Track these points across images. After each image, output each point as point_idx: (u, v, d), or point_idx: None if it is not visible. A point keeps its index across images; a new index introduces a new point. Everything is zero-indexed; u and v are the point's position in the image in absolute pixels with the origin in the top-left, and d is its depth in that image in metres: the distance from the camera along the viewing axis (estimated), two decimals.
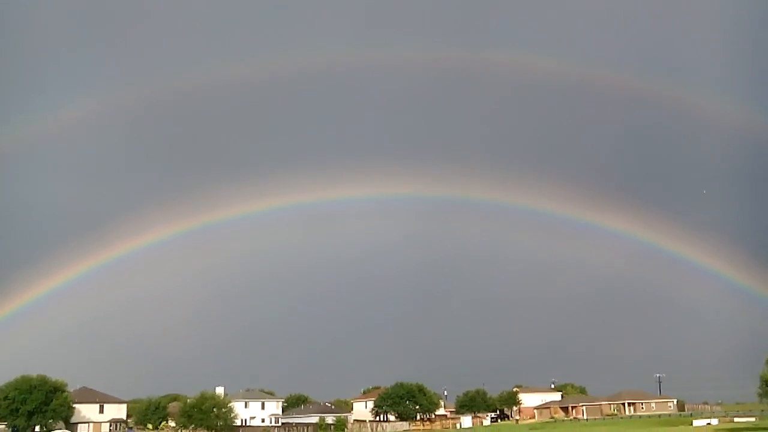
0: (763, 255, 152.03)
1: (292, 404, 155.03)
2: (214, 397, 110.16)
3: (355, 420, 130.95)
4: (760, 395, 57.22)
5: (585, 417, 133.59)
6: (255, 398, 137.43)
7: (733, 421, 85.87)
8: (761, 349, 63.48)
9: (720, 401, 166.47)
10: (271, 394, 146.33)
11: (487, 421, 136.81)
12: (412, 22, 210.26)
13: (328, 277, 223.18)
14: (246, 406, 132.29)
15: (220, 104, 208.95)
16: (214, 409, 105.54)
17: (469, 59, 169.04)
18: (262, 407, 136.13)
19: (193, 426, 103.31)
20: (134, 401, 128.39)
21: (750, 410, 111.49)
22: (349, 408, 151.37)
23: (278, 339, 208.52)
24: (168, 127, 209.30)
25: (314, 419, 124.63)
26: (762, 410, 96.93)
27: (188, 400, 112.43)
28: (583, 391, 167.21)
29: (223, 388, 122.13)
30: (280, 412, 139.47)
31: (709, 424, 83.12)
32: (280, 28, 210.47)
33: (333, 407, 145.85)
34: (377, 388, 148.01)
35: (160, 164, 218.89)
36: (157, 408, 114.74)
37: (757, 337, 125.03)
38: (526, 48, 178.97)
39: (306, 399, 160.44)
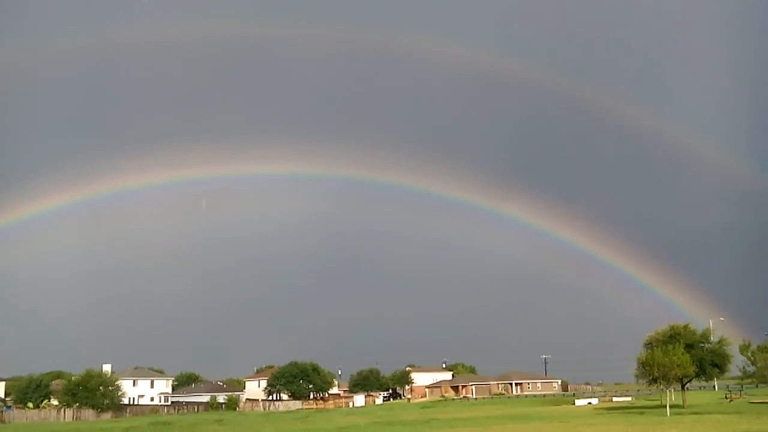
0: (650, 246, 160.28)
1: (183, 383, 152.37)
2: (100, 374, 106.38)
3: (247, 399, 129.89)
4: (636, 376, 60.02)
5: (474, 396, 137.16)
6: (144, 376, 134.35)
7: (611, 401, 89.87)
8: (641, 333, 66.62)
9: (601, 382, 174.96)
10: (160, 373, 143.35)
11: (379, 400, 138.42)
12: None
13: (223, 254, 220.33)
14: (134, 385, 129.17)
15: (113, 72, 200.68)
16: (101, 387, 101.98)
17: (378, 41, 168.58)
18: (152, 386, 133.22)
19: (77, 405, 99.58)
20: (14, 379, 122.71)
21: (627, 390, 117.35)
22: (242, 387, 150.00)
23: (169, 316, 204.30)
24: (57, 94, 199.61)
25: (205, 398, 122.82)
26: (638, 390, 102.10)
27: (72, 378, 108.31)
28: (473, 371, 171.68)
29: (110, 365, 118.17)
30: (169, 390, 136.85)
31: (589, 403, 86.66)
32: None
33: (225, 386, 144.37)
34: (271, 367, 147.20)
35: (45, 132, 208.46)
36: (38, 386, 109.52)
37: (638, 323, 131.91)
38: (439, 35, 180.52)
39: (197, 377, 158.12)
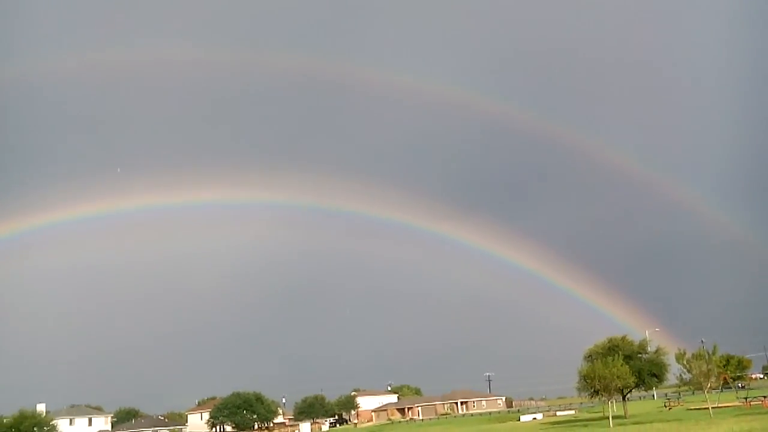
0: (585, 261, 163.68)
1: (122, 419, 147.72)
2: (34, 415, 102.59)
3: None
4: (578, 389, 60.75)
5: (420, 417, 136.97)
6: (81, 414, 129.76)
7: (555, 415, 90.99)
8: (580, 347, 67.59)
9: (544, 397, 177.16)
10: (99, 410, 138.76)
11: (325, 427, 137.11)
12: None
13: (159, 283, 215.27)
14: (71, 423, 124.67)
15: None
16: (35, 429, 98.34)
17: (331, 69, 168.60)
18: (89, 423, 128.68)
19: None
20: None
21: (570, 404, 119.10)
22: (184, 420, 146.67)
23: (105, 350, 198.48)
24: None
25: None
26: (581, 403, 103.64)
27: (5, 420, 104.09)
28: (418, 392, 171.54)
29: (44, 404, 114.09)
30: (109, 427, 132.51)
31: (534, 419, 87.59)
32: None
33: (167, 420, 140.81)
34: (213, 398, 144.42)
35: None
36: None
37: (578, 335, 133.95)
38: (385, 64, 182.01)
39: (137, 413, 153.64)
